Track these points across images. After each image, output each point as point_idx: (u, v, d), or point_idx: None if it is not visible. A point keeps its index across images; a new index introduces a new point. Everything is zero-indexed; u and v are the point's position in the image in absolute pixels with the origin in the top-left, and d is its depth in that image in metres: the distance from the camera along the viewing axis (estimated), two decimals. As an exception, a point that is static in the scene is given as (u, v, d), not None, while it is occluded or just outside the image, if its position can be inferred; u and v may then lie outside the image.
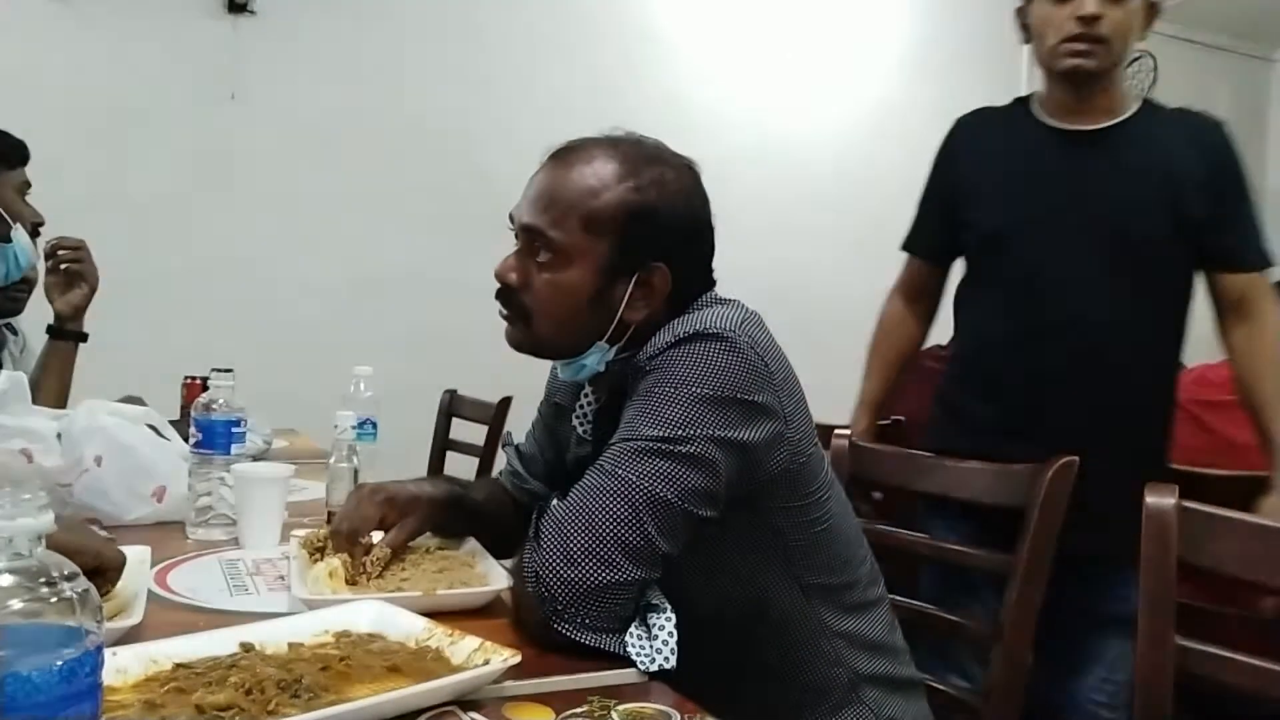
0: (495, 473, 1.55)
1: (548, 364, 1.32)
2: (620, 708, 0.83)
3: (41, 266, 1.97)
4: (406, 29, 3.51)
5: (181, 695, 0.77)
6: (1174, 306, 1.77)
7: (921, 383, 2.81)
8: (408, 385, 2.78)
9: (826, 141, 4.28)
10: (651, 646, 0.96)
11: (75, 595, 0.57)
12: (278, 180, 3.33)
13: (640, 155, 1.16)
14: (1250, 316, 1.74)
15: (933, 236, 1.96)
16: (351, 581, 1.11)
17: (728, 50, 4.07)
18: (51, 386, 1.93)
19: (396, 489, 1.20)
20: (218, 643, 0.88)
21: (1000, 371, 1.79)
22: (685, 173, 1.18)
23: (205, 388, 1.51)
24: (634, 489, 1.00)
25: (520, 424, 1.52)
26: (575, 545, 0.98)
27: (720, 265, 1.21)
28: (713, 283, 1.20)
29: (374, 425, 1.84)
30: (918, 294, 2.02)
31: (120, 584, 1.02)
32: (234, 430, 1.45)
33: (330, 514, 1.42)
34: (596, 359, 1.18)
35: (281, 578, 1.22)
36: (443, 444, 2.84)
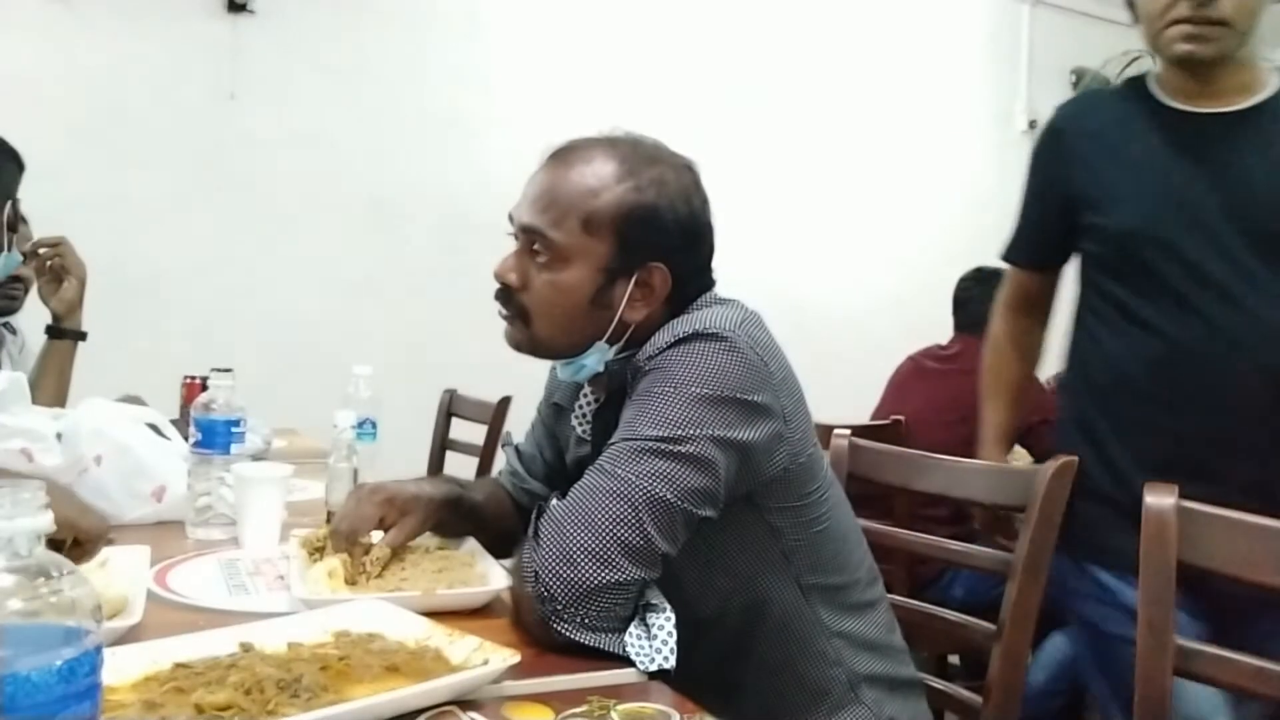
0: (495, 473, 1.55)
1: (547, 364, 1.32)
2: (620, 707, 0.83)
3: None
4: (406, 28, 3.51)
5: (181, 695, 0.77)
6: None
7: (922, 383, 2.82)
8: (408, 385, 2.79)
9: (827, 139, 4.28)
10: (651, 646, 0.96)
11: (75, 594, 0.57)
12: (277, 180, 3.33)
13: (640, 155, 1.16)
14: None
15: (1042, 245, 1.69)
16: (351, 581, 1.11)
17: (728, 50, 4.07)
18: (50, 386, 1.93)
19: (396, 489, 1.20)
20: (217, 642, 0.88)
21: (1166, 397, 1.48)
22: (685, 172, 1.17)
23: (205, 388, 1.51)
24: (633, 489, 1.00)
25: (520, 424, 1.52)
26: (574, 545, 0.98)
27: (720, 265, 1.21)
28: (712, 282, 1.20)
29: (374, 425, 1.84)
30: (1029, 306, 1.77)
31: (120, 584, 1.02)
32: (234, 430, 1.45)
33: (330, 514, 1.42)
34: (596, 359, 1.18)
35: (281, 577, 1.22)
36: (442, 444, 2.84)
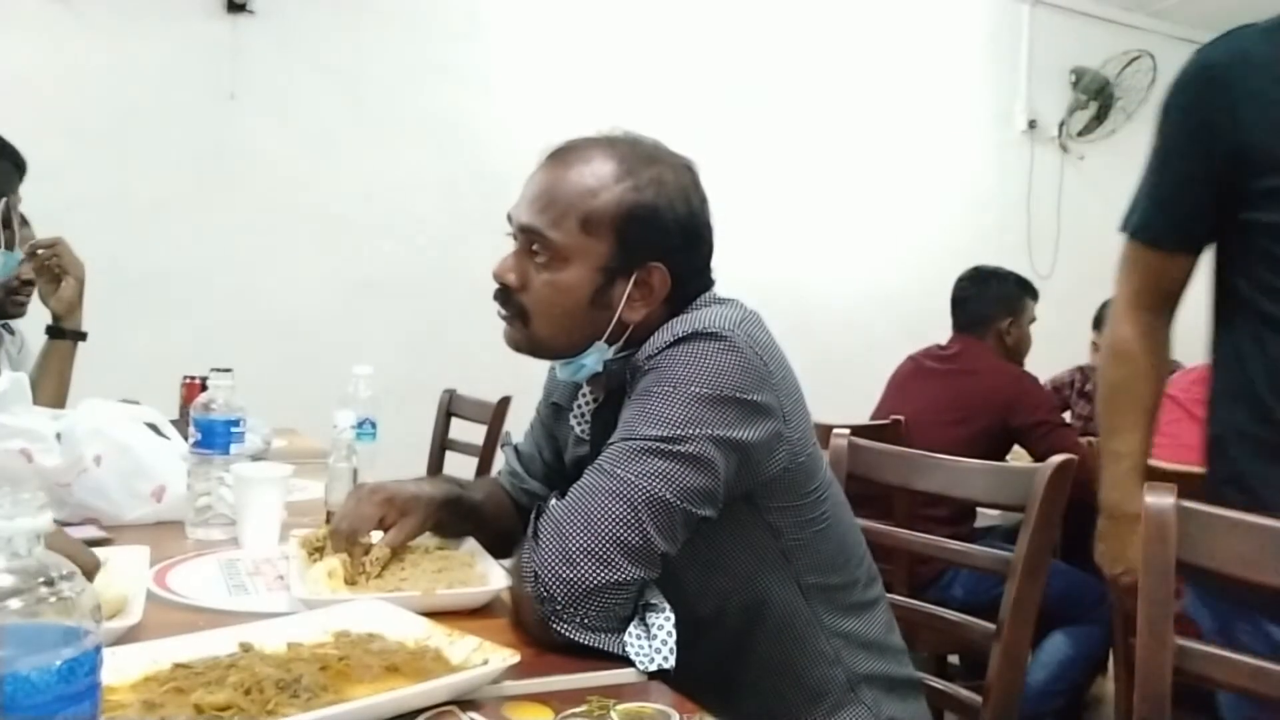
0: (494, 473, 1.55)
1: (546, 364, 1.32)
2: (619, 707, 0.83)
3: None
4: (406, 29, 3.51)
5: (180, 695, 0.77)
6: None
7: (922, 382, 2.82)
8: (408, 385, 2.79)
9: (827, 139, 4.28)
10: (650, 646, 0.96)
11: (74, 595, 0.57)
12: (277, 180, 3.33)
13: (638, 155, 1.16)
14: None
15: (1192, 218, 1.33)
16: (350, 581, 1.11)
17: (728, 50, 4.07)
18: (50, 386, 1.93)
19: (396, 489, 1.20)
20: (217, 642, 0.88)
21: None
22: (684, 172, 1.17)
23: (205, 388, 1.51)
24: (633, 488, 1.00)
25: (520, 424, 1.52)
26: (574, 545, 0.98)
27: (720, 264, 1.21)
28: (712, 282, 1.20)
29: (373, 425, 1.84)
30: (1164, 299, 1.40)
31: (120, 584, 1.02)
32: (233, 430, 1.45)
33: (329, 514, 1.42)
34: (595, 359, 1.18)
35: (281, 578, 1.22)
36: (442, 444, 2.84)
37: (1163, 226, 1.36)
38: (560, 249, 1.13)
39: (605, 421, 1.14)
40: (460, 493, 1.26)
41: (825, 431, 1.43)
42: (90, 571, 1.00)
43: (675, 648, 0.97)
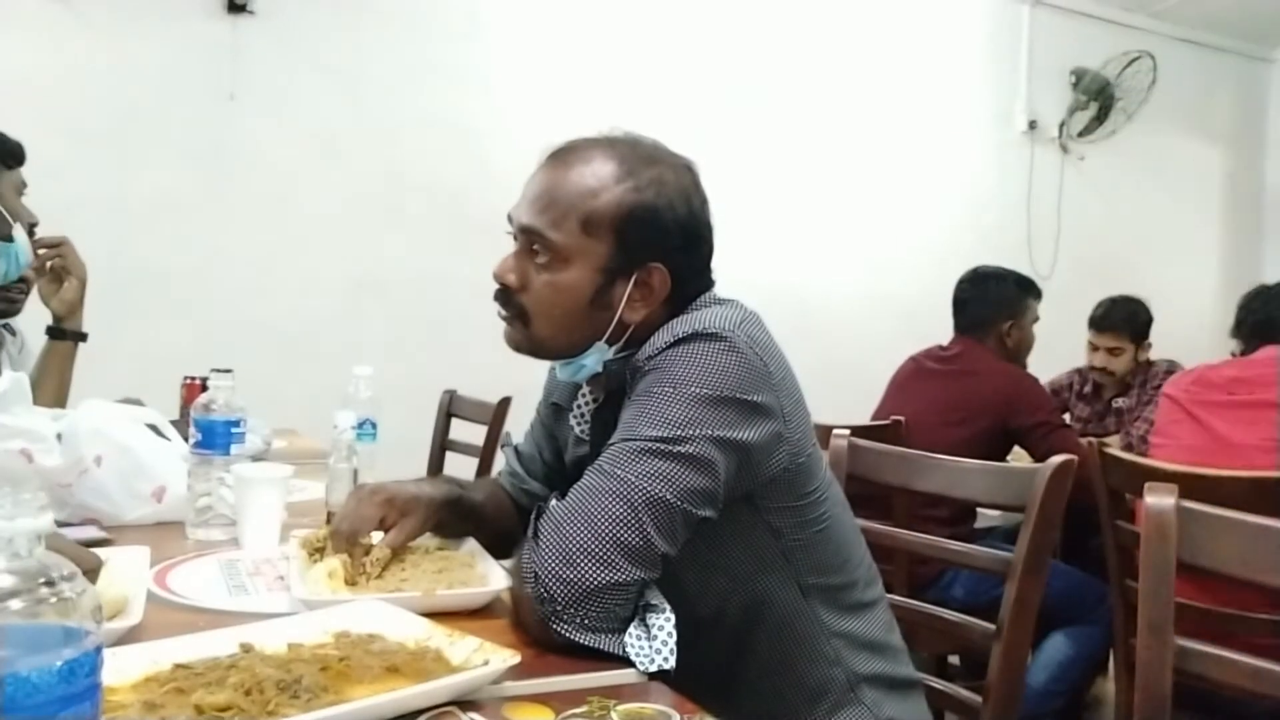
0: (494, 473, 1.55)
1: (546, 364, 1.32)
2: (620, 708, 0.83)
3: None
4: (406, 29, 3.51)
5: (181, 695, 0.77)
6: None
7: (923, 383, 2.82)
8: (408, 385, 2.79)
9: (827, 140, 4.28)
10: (651, 647, 0.96)
11: (75, 595, 0.57)
12: (277, 180, 3.33)
13: (639, 155, 1.16)
14: None
15: None
16: (351, 582, 1.11)
17: (728, 50, 4.07)
18: (51, 387, 1.93)
19: (396, 489, 1.20)
20: (217, 643, 0.88)
21: None
22: (684, 172, 1.17)
23: (205, 388, 1.51)
24: (633, 489, 1.00)
25: (520, 424, 1.52)
26: (574, 546, 0.98)
27: (720, 264, 1.21)
28: (712, 283, 1.20)
29: (374, 425, 1.84)
30: None
31: (120, 584, 1.02)
32: (233, 431, 1.45)
33: (330, 514, 1.42)
34: (595, 359, 1.18)
35: (281, 578, 1.22)
36: (442, 444, 2.84)
37: None
38: (561, 249, 1.13)
39: (605, 422, 1.14)
40: (460, 493, 1.26)
41: (825, 432, 1.43)
42: (89, 571, 1.00)
43: (675, 648, 0.96)
